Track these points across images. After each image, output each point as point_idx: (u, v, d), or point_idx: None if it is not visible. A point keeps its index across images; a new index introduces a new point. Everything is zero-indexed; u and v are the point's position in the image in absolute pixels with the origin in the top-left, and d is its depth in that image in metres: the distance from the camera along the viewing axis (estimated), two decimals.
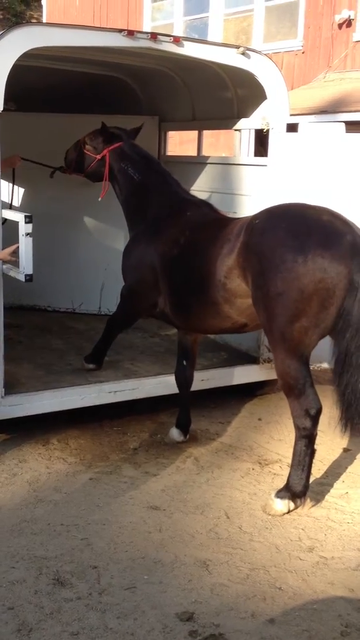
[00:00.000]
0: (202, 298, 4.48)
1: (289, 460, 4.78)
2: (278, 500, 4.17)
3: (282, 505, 4.15)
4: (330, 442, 5.15)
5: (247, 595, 3.40)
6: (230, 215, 5.14)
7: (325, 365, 5.27)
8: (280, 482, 4.41)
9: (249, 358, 5.86)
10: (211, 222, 4.73)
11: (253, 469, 4.77)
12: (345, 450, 5.13)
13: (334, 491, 4.49)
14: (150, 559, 3.68)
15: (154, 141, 7.06)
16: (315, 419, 4.07)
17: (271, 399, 6.09)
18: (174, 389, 5.21)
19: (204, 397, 5.54)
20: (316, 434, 4.13)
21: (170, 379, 5.26)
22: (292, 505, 4.16)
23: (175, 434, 5.10)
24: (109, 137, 5.29)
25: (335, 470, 4.78)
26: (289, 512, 4.16)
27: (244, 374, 5.72)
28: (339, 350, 3.92)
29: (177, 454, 4.94)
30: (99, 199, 5.33)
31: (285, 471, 4.59)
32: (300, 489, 4.14)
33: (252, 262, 4.09)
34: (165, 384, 5.32)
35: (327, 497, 4.41)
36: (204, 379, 5.39)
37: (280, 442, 5.23)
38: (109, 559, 3.66)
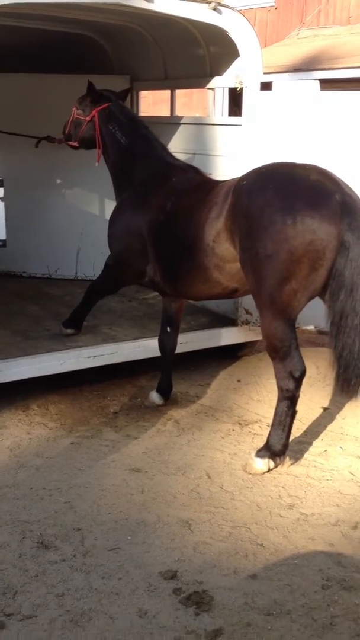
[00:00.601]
0: (191, 264, 4.42)
1: (269, 421, 4.84)
2: (258, 460, 4.21)
3: (262, 464, 4.20)
4: (309, 401, 5.20)
5: (230, 552, 3.45)
6: (209, 176, 5.08)
7: (306, 326, 5.30)
8: (260, 442, 4.46)
9: (227, 320, 5.87)
10: (197, 185, 4.64)
11: (233, 430, 4.81)
12: (324, 409, 5.19)
13: (313, 449, 4.55)
14: (133, 520, 3.71)
15: (126, 101, 6.92)
16: (298, 381, 4.09)
17: (250, 360, 6.13)
18: (153, 353, 5.21)
19: (183, 360, 5.55)
20: (298, 396, 4.15)
21: (149, 343, 5.26)
22: (271, 464, 4.21)
23: (155, 397, 5.11)
24: (97, 97, 5.19)
25: (314, 429, 4.84)
26: (269, 470, 4.21)
27: (222, 336, 5.73)
28: (334, 311, 3.90)
29: (157, 416, 4.97)
30: (96, 164, 5.25)
31: (265, 431, 4.64)
32: (279, 448, 4.19)
33: (240, 225, 4.03)
34: (144, 348, 5.32)
35: (306, 455, 4.47)
36: (182, 342, 5.38)
37: (259, 402, 5.28)
38: (92, 521, 3.69)
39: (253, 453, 4.28)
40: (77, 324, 5.45)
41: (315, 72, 9.65)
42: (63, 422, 4.85)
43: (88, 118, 5.19)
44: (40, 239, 7.16)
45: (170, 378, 5.14)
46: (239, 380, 5.71)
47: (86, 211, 7.20)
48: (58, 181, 7.23)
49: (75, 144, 5.37)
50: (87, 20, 5.96)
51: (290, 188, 3.90)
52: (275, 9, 12.41)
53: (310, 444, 4.63)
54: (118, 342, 5.36)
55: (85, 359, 5.15)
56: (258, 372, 5.84)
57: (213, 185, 4.54)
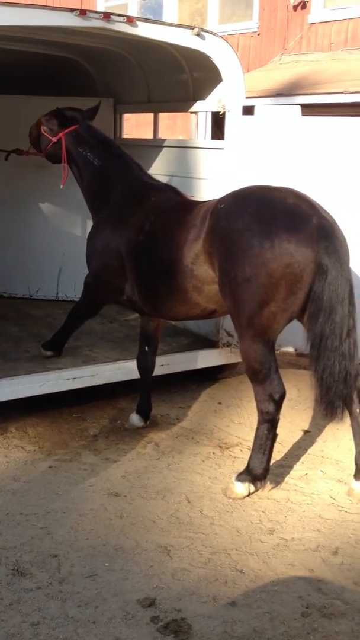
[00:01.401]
0: (170, 285, 4.41)
1: (249, 444, 4.81)
2: (239, 484, 4.18)
3: (242, 488, 4.16)
4: (289, 424, 5.19)
5: (209, 579, 3.40)
6: (188, 197, 5.09)
7: (286, 348, 5.30)
8: (241, 465, 4.43)
9: (208, 342, 5.86)
10: (176, 206, 4.65)
11: (214, 453, 4.78)
12: (305, 431, 5.17)
13: (293, 473, 4.53)
14: (111, 546, 3.66)
15: (109, 124, 6.96)
16: (278, 404, 4.07)
17: (231, 382, 6.11)
18: (134, 375, 5.18)
19: (164, 382, 5.52)
20: (279, 419, 4.14)
21: (130, 365, 5.22)
22: (252, 488, 4.18)
23: (135, 419, 5.07)
24: (64, 119, 5.17)
25: (295, 452, 4.82)
26: (249, 494, 4.18)
27: (203, 359, 5.71)
28: (314, 334, 3.90)
29: (137, 439, 4.92)
30: (61, 186, 5.22)
31: (246, 454, 4.62)
32: (260, 472, 4.16)
33: (218, 247, 4.04)
34: (124, 370, 5.28)
35: (286, 479, 4.44)
36: (163, 364, 5.36)
37: (240, 425, 5.25)
38: (69, 547, 3.63)
39: (234, 477, 4.24)
40: (57, 347, 5.40)
41: (297, 97, 9.75)
42: (41, 445, 4.79)
43: (54, 139, 5.16)
44: (22, 259, 7.13)
45: (150, 399, 5.11)
46: (219, 403, 5.68)
47: (68, 232, 7.19)
48: (40, 201, 7.22)
49: (42, 155, 5.38)
50: (71, 43, 5.99)
51: (267, 211, 3.91)
52: (258, 34, 12.57)
53: (291, 467, 4.60)
54: (98, 364, 5.32)
55: (65, 381, 5.10)
56: (239, 395, 5.82)
57: (192, 206, 4.55)
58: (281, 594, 3.32)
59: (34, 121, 6.65)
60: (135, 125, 11.64)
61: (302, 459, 4.74)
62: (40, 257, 7.16)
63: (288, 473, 4.51)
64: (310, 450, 4.87)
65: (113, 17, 4.90)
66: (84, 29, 4.97)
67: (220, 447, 4.88)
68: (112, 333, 6.20)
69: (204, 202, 4.57)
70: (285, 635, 3.03)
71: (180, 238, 4.30)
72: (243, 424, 5.26)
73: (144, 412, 5.09)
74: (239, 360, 5.75)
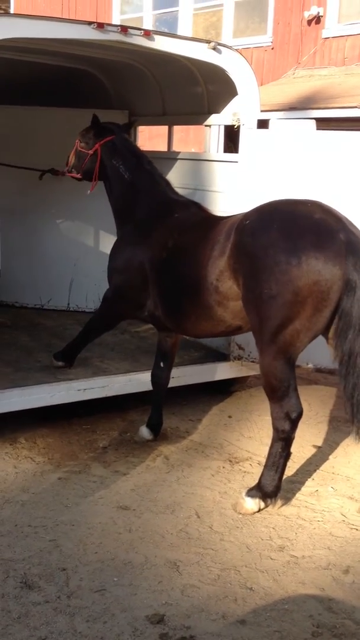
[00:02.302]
0: (195, 302, 4.36)
1: (260, 458, 4.79)
2: (249, 499, 4.14)
3: (252, 504, 4.13)
4: (300, 439, 5.12)
5: (218, 596, 3.37)
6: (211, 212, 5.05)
7: (299, 363, 5.26)
8: (251, 480, 4.39)
9: (220, 355, 5.83)
10: (200, 222, 4.62)
11: (223, 467, 4.74)
12: (316, 447, 5.13)
13: (304, 489, 4.48)
14: (120, 560, 3.63)
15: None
16: (295, 423, 4.02)
17: (241, 396, 6.08)
18: (145, 387, 5.16)
19: (174, 394, 5.50)
20: (294, 437, 4.08)
21: (141, 377, 5.21)
22: (262, 504, 4.14)
23: (145, 432, 5.05)
24: (100, 130, 5.13)
25: (305, 468, 4.78)
26: (259, 510, 4.14)
27: (214, 372, 5.69)
28: (342, 351, 3.85)
29: (147, 452, 4.90)
30: (88, 192, 5.21)
31: (256, 469, 4.59)
32: (272, 489, 4.11)
33: (243, 264, 3.99)
34: (135, 382, 5.27)
35: (297, 495, 4.40)
36: (174, 376, 5.33)
37: (250, 439, 5.22)
38: (77, 560, 3.60)
39: (244, 492, 4.21)
40: (69, 358, 5.38)
41: (310, 110, 9.76)
42: (51, 457, 4.77)
43: (91, 151, 5.13)
44: (34, 269, 7.14)
45: (161, 413, 5.08)
46: (230, 416, 5.65)
47: (80, 242, 7.20)
48: (53, 212, 7.24)
49: (79, 175, 5.32)
50: (87, 55, 6.02)
51: (293, 227, 3.85)
52: (272, 49, 12.61)
53: (302, 483, 4.56)
54: (109, 376, 5.30)
55: (75, 392, 5.09)
56: (249, 408, 5.78)
57: (215, 222, 4.50)
58: (291, 612, 3.27)
59: (49, 132, 6.70)
60: (149, 138, 11.69)
61: (313, 475, 4.70)
62: (51, 268, 7.17)
63: (299, 489, 4.47)
64: (321, 467, 4.83)
65: (130, 30, 4.92)
66: (101, 41, 5.00)
67: (230, 461, 4.85)
68: (123, 344, 6.19)
69: (228, 217, 4.52)
70: None
71: (205, 254, 4.26)
72: (253, 438, 5.22)
73: (155, 426, 5.06)
74: (250, 373, 5.74)
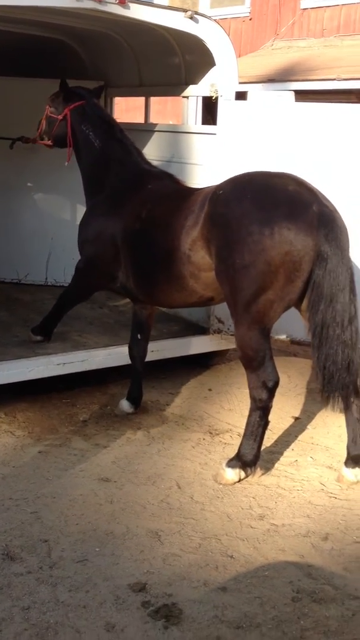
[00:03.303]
0: (167, 272, 4.37)
1: (240, 430, 4.82)
2: (229, 469, 4.18)
3: (232, 474, 4.17)
4: (279, 411, 5.19)
5: (199, 564, 3.41)
6: (185, 184, 5.03)
7: (278, 336, 5.29)
8: (231, 451, 4.43)
9: (199, 329, 5.84)
10: (173, 193, 4.60)
11: (204, 439, 4.77)
12: (295, 418, 5.18)
13: (283, 459, 4.53)
14: (102, 531, 3.65)
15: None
16: (272, 392, 4.07)
17: (221, 369, 6.11)
18: (124, 360, 5.16)
19: (154, 368, 5.50)
20: (271, 406, 4.13)
21: (120, 350, 5.20)
22: (242, 474, 4.18)
23: (125, 405, 5.06)
24: (70, 95, 5.02)
25: (285, 439, 4.83)
26: (239, 480, 4.18)
27: (194, 345, 5.70)
28: (314, 323, 3.88)
29: (127, 425, 4.91)
30: (66, 164, 5.11)
31: (236, 440, 4.62)
32: (251, 458, 4.16)
33: (216, 234, 4.00)
34: (115, 356, 5.26)
35: (277, 465, 4.45)
36: (154, 350, 5.34)
37: (230, 411, 5.25)
38: (59, 532, 3.62)
39: (224, 463, 4.24)
40: (46, 332, 5.35)
41: (289, 83, 9.72)
42: (31, 431, 4.76)
43: (60, 116, 5.03)
44: (10, 243, 7.06)
45: (141, 386, 5.09)
46: (210, 389, 5.68)
47: (57, 216, 7.13)
48: (29, 185, 7.15)
49: (50, 142, 5.22)
50: (62, 25, 5.92)
51: (267, 198, 3.87)
52: (250, 19, 12.48)
53: (281, 453, 4.61)
54: (88, 350, 5.29)
55: (54, 367, 5.07)
56: (229, 381, 5.81)
57: (189, 193, 4.50)
58: (272, 579, 3.32)
59: (23, 103, 6.57)
60: (125, 110, 11.56)
61: (292, 445, 4.75)
62: (28, 242, 7.10)
63: (278, 459, 4.52)
64: (300, 437, 4.88)
65: None
66: (74, 9, 4.91)
67: (210, 433, 4.88)
68: (102, 318, 6.17)
69: (202, 188, 4.52)
70: (275, 620, 3.04)
71: (178, 225, 4.26)
72: (233, 411, 5.26)
73: (135, 399, 5.07)
74: (230, 347, 5.76)
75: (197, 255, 4.19)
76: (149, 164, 5.03)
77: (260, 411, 4.09)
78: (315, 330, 3.89)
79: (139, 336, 5.01)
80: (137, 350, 5.03)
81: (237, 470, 4.17)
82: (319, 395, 4.03)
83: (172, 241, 4.27)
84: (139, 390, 5.09)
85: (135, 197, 4.69)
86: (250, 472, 4.19)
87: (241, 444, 4.19)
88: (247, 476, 4.20)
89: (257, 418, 4.11)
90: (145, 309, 4.98)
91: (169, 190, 4.66)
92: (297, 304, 4.00)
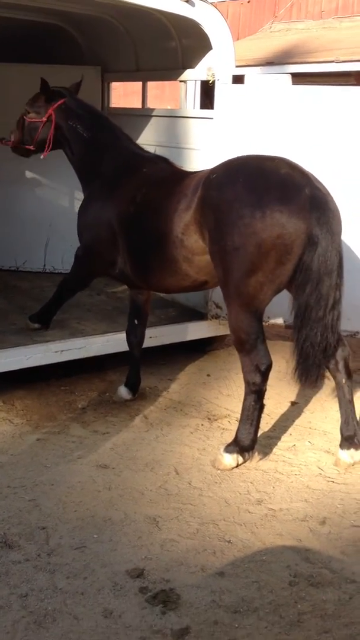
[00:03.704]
0: (161, 256, 4.37)
1: (238, 415, 4.81)
2: (227, 455, 4.19)
3: (230, 459, 4.17)
4: (277, 396, 5.20)
5: (197, 549, 3.42)
6: (180, 167, 5.01)
7: (275, 320, 5.29)
8: (229, 437, 4.43)
9: (197, 314, 5.83)
10: (167, 177, 4.58)
11: (202, 425, 4.78)
12: (293, 403, 5.18)
13: (281, 444, 4.54)
14: (100, 517, 3.66)
15: (97, 92, 6.84)
16: (265, 375, 4.07)
17: (219, 354, 6.10)
18: (122, 347, 5.15)
19: (152, 354, 5.50)
20: (265, 389, 4.14)
21: (118, 337, 5.19)
22: (240, 459, 4.19)
23: (123, 392, 5.06)
24: (51, 95, 4.99)
25: (283, 424, 4.83)
26: (237, 466, 4.19)
27: (192, 331, 5.69)
28: (299, 304, 3.91)
29: (125, 411, 4.91)
30: (42, 157, 5.11)
31: (234, 426, 4.61)
32: (248, 442, 4.16)
33: (208, 217, 4.00)
34: (113, 342, 5.25)
35: (274, 450, 4.45)
36: (152, 336, 5.33)
37: (229, 397, 5.25)
38: (57, 519, 3.63)
39: (222, 448, 4.25)
40: (45, 320, 5.34)
41: (287, 65, 9.63)
42: (29, 418, 4.77)
43: (44, 118, 4.98)
44: (8, 230, 7.04)
45: (139, 372, 5.09)
46: (208, 375, 5.68)
47: (55, 203, 7.10)
48: (26, 173, 7.11)
49: (31, 147, 5.14)
50: (58, 9, 5.86)
51: (259, 182, 3.87)
52: (248, 2, 12.37)
53: (279, 438, 4.61)
54: (86, 337, 5.28)
55: (52, 354, 5.07)
56: (227, 367, 5.81)
57: (183, 176, 4.48)
58: (269, 563, 3.33)
59: (19, 88, 6.50)
60: (123, 95, 11.48)
61: (290, 430, 4.75)
62: (26, 229, 7.07)
63: (276, 444, 4.52)
64: (298, 422, 4.89)
65: None
66: None
67: (208, 419, 4.88)
68: (100, 305, 6.16)
69: (196, 172, 4.52)
70: (273, 604, 3.05)
71: (171, 208, 4.25)
72: (231, 396, 5.26)
73: (133, 385, 5.08)
74: (228, 332, 5.74)
75: (190, 239, 4.19)
76: (141, 148, 5.03)
77: (255, 395, 4.10)
78: (298, 311, 3.92)
79: (135, 322, 5.01)
80: (135, 336, 5.03)
81: (235, 455, 4.18)
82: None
83: (165, 225, 4.27)
84: (137, 376, 5.09)
85: (129, 181, 4.68)
86: (248, 456, 4.20)
87: (238, 429, 4.20)
88: (245, 461, 4.20)
89: (251, 402, 4.12)
90: (142, 295, 4.97)
91: (164, 174, 4.64)
92: (290, 287, 3.99)
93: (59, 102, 4.98)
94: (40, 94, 5.03)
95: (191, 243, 4.20)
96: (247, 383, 4.11)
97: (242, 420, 4.18)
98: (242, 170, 3.99)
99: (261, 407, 4.17)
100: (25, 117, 5.10)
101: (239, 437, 4.18)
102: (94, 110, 5.14)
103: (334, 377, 4.24)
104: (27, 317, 5.41)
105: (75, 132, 4.98)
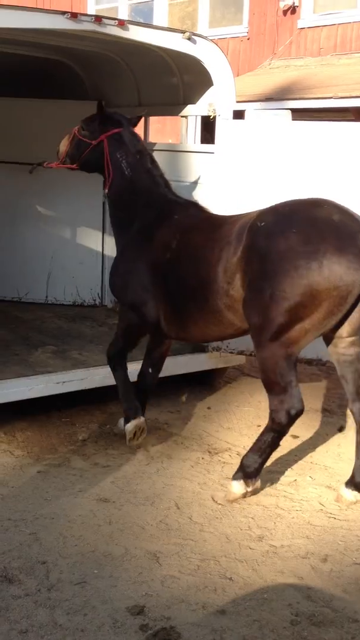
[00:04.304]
0: (202, 306, 4.22)
1: (239, 449, 4.83)
2: (235, 482, 4.17)
3: (238, 486, 4.15)
4: None
5: (198, 586, 3.39)
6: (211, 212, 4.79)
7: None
8: (230, 470, 4.41)
9: (198, 347, 5.84)
10: (202, 222, 4.47)
11: (203, 458, 4.76)
12: (294, 437, 5.17)
13: (283, 479, 4.52)
14: (100, 552, 3.63)
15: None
16: (293, 420, 3.99)
17: (220, 387, 6.11)
18: None
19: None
20: (287, 432, 4.11)
21: None
22: (248, 488, 4.16)
23: (125, 425, 5.03)
24: (106, 120, 4.81)
25: (284, 458, 4.81)
26: (245, 494, 4.16)
27: (192, 363, 5.70)
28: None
29: (126, 444, 4.89)
30: (105, 191, 4.92)
31: (235, 459, 4.61)
32: (252, 470, 4.14)
33: (253, 266, 3.89)
34: None
35: (276, 485, 4.43)
36: None
37: (229, 430, 5.24)
38: (58, 553, 3.60)
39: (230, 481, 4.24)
40: (132, 411, 4.81)
41: (286, 101, 9.78)
42: (30, 450, 4.75)
43: (94, 142, 4.79)
44: (11, 262, 7.09)
45: (144, 408, 4.98)
46: (208, 408, 5.67)
47: (57, 235, 7.16)
48: (30, 204, 7.18)
49: (75, 166, 4.98)
50: (61, 45, 5.97)
51: (313, 231, 3.76)
52: (248, 39, 12.59)
53: (281, 473, 4.59)
54: (88, 368, 5.29)
55: (54, 385, 5.07)
56: (228, 400, 5.81)
57: (220, 222, 4.35)
58: (270, 601, 3.30)
59: (22, 123, 6.60)
60: None
61: (292, 464, 4.73)
62: (29, 260, 7.13)
63: (277, 479, 4.50)
64: (299, 456, 4.87)
65: (104, 20, 4.89)
66: (75, 31, 4.96)
67: (209, 452, 4.87)
68: (102, 337, 6.17)
69: (234, 216, 4.34)
70: None
71: (212, 256, 4.12)
72: (232, 429, 5.25)
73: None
74: (229, 365, 5.76)
75: (235, 288, 4.04)
76: (174, 194, 4.84)
77: (275, 433, 4.06)
78: None
79: (150, 370, 4.92)
80: (147, 383, 4.93)
81: (241, 481, 4.15)
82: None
83: (207, 274, 4.12)
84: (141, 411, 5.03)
85: (162, 229, 4.54)
86: (252, 484, 4.17)
87: (246, 456, 4.19)
88: (249, 488, 4.17)
89: (269, 438, 4.07)
90: (163, 346, 4.87)
91: (198, 220, 4.52)
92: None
93: (114, 131, 4.78)
94: (97, 116, 4.83)
95: (236, 292, 4.05)
96: (272, 420, 4.02)
97: (252, 449, 4.15)
98: (293, 218, 3.87)
99: (275, 446, 4.15)
100: (77, 133, 4.90)
101: (244, 463, 4.16)
102: (142, 149, 4.87)
103: (357, 422, 4.19)
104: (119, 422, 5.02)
105: (119, 167, 4.75)
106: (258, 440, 4.14)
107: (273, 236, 3.84)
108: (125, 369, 4.87)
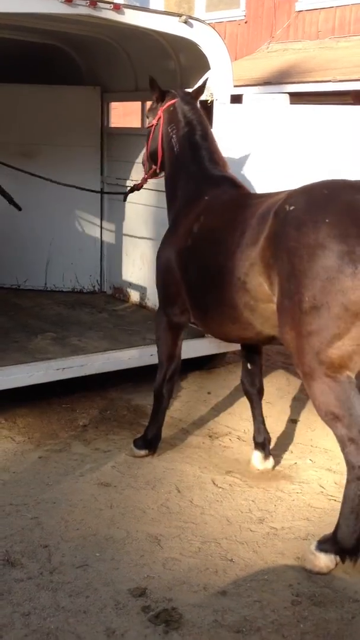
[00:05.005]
0: (219, 299, 3.71)
1: (239, 433, 4.85)
2: (322, 555, 3.38)
3: (327, 560, 3.37)
4: (278, 414, 5.21)
5: (199, 568, 3.41)
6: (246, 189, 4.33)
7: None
8: (231, 455, 4.42)
9: (197, 332, 5.84)
10: (229, 201, 3.91)
11: (203, 443, 4.78)
12: (293, 421, 5.19)
13: (283, 462, 4.54)
14: (102, 536, 3.66)
15: (96, 112, 6.92)
16: None
17: (220, 372, 6.12)
18: (123, 365, 5.18)
19: (152, 372, 5.50)
20: None
21: (119, 355, 5.21)
22: (338, 561, 3.38)
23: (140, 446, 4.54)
24: (164, 95, 4.42)
25: (284, 442, 4.83)
26: (335, 566, 3.39)
27: (192, 348, 5.68)
28: None
29: (127, 429, 4.92)
30: (161, 175, 4.54)
31: (235, 444, 4.63)
32: (351, 544, 3.31)
33: (281, 260, 3.25)
34: (114, 360, 5.27)
35: (276, 468, 4.45)
36: (153, 354, 5.34)
37: (229, 414, 5.26)
38: (59, 537, 3.63)
39: (313, 546, 3.42)
40: (153, 442, 4.51)
41: (284, 85, 9.74)
42: (31, 436, 4.77)
43: (154, 121, 4.44)
44: (9, 249, 7.08)
45: (264, 424, 4.46)
46: (209, 393, 5.69)
47: (55, 221, 7.15)
48: (27, 191, 7.15)
49: (156, 167, 4.56)
50: (57, 31, 5.94)
51: (351, 226, 3.08)
52: (246, 22, 12.51)
53: (280, 456, 4.61)
54: (88, 354, 5.30)
55: (54, 371, 5.08)
56: (228, 385, 5.82)
57: (246, 201, 3.80)
58: (271, 582, 3.33)
59: (19, 109, 6.56)
60: (123, 114, 11.58)
61: (291, 448, 4.76)
62: (27, 248, 7.12)
63: (278, 462, 4.52)
64: (298, 440, 4.89)
65: (99, 4, 4.85)
66: (70, 16, 4.92)
67: (209, 436, 4.89)
68: (101, 323, 6.18)
69: (262, 195, 3.79)
70: (275, 624, 3.05)
71: (231, 242, 3.59)
72: (232, 414, 5.26)
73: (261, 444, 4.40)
74: (228, 349, 5.76)
75: (253, 282, 3.48)
76: (216, 168, 4.30)
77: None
78: None
79: (248, 366, 4.38)
80: (251, 384, 4.40)
81: (332, 556, 3.36)
82: None
83: (225, 262, 3.59)
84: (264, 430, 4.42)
85: (191, 210, 4.09)
86: (351, 561, 3.34)
87: (338, 526, 3.34)
88: (343, 562, 3.38)
89: (356, 490, 3.24)
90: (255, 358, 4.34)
91: (224, 198, 3.98)
92: None
93: (170, 103, 4.36)
94: (153, 93, 4.50)
95: (254, 287, 3.49)
96: (352, 467, 3.24)
97: (343, 514, 3.30)
98: (329, 206, 3.18)
99: None
100: (147, 125, 4.56)
101: (338, 536, 3.33)
102: (192, 120, 4.36)
103: None
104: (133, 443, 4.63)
105: (170, 142, 4.34)
106: (345, 499, 3.29)
107: (303, 226, 3.18)
108: (170, 396, 4.51)
